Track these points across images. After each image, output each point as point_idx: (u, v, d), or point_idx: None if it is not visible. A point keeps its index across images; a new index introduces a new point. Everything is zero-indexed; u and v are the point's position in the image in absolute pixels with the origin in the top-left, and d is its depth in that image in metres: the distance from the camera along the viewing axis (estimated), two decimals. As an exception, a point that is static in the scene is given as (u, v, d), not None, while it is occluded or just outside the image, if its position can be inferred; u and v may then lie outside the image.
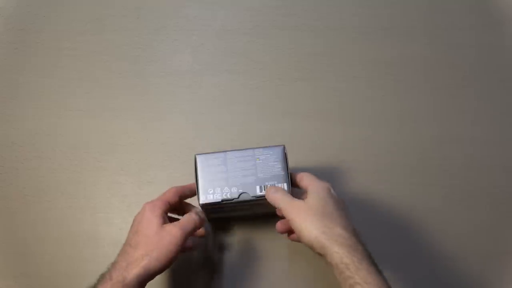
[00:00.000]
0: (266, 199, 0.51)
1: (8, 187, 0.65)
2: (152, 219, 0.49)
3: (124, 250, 0.49)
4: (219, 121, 0.68)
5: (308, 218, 0.47)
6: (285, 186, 0.52)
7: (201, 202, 0.52)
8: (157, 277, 0.48)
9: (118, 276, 0.46)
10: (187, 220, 0.50)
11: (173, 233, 0.48)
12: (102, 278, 0.47)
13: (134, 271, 0.46)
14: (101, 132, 0.67)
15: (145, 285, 0.47)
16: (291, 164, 0.53)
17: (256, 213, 0.59)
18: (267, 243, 0.61)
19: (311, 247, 0.47)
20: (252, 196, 0.52)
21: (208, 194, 0.52)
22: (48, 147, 0.67)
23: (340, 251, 0.45)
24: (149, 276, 0.47)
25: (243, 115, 0.68)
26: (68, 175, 0.65)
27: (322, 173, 0.63)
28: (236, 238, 0.62)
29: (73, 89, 0.70)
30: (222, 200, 0.52)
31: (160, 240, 0.47)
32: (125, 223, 0.62)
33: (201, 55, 0.71)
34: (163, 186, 0.64)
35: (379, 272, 0.45)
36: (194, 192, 0.53)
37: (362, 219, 0.53)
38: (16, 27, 0.73)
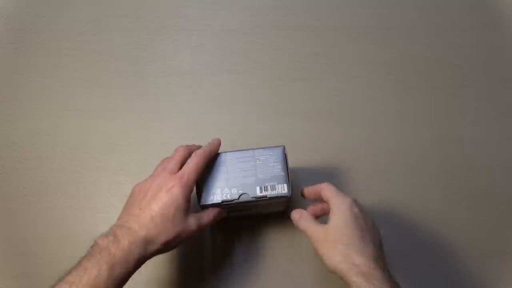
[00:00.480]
0: (266, 199, 0.52)
1: (8, 187, 0.65)
2: (182, 205, 0.47)
3: (142, 220, 0.47)
4: (219, 121, 0.68)
5: (329, 246, 0.47)
6: (285, 187, 0.52)
7: (201, 203, 0.52)
8: (158, 277, 0.48)
9: (137, 253, 0.45)
10: (207, 218, 0.51)
11: (192, 228, 0.48)
12: (116, 241, 0.45)
13: (149, 251, 0.46)
14: (101, 132, 0.67)
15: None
16: (291, 164, 0.53)
17: (257, 213, 0.59)
18: (268, 242, 0.61)
19: (334, 274, 0.47)
20: (252, 197, 0.52)
21: (208, 195, 0.52)
22: (48, 147, 0.67)
23: (357, 280, 0.44)
24: (155, 255, 0.48)
25: (243, 115, 0.68)
26: (68, 175, 0.65)
27: (322, 173, 0.64)
28: (236, 237, 0.62)
29: (73, 89, 0.70)
30: (222, 201, 0.52)
31: (182, 231, 0.47)
32: (125, 223, 0.63)
33: (201, 55, 0.71)
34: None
35: None
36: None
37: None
38: (16, 27, 0.73)
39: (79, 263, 0.44)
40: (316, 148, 0.66)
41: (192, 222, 0.49)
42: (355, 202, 0.50)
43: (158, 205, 0.47)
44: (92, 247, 0.45)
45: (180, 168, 0.50)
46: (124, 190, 0.64)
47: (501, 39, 0.72)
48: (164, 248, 0.47)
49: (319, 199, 0.53)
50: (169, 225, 0.47)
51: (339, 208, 0.49)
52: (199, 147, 0.54)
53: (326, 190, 0.51)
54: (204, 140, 0.66)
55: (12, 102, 0.69)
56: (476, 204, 0.63)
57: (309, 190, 0.54)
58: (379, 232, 0.50)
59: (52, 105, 0.69)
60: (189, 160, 0.50)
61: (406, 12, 0.73)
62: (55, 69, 0.71)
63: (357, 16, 0.73)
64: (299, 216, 0.52)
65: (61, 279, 0.43)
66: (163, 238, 0.46)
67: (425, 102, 0.68)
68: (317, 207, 0.54)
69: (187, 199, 0.48)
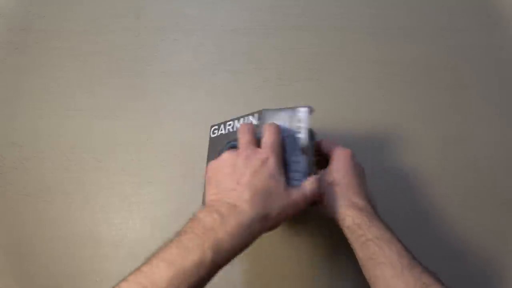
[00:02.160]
0: None
1: (8, 187, 0.65)
2: (280, 179, 0.44)
3: (246, 197, 0.43)
4: (219, 121, 0.68)
5: (328, 186, 0.51)
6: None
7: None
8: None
9: (244, 231, 0.41)
10: (311, 188, 0.46)
11: (298, 202, 0.45)
12: (222, 219, 0.41)
13: (259, 228, 0.42)
14: (101, 132, 0.67)
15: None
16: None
17: None
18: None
19: (329, 213, 0.50)
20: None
21: None
22: (48, 147, 0.67)
23: (351, 214, 0.48)
24: (261, 234, 0.44)
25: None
26: (68, 175, 0.65)
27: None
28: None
29: (73, 89, 0.70)
30: None
31: (287, 205, 0.44)
32: (125, 223, 0.63)
33: (201, 55, 0.71)
34: (163, 186, 0.64)
35: (388, 227, 0.47)
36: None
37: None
38: (16, 27, 0.73)
39: (178, 239, 0.40)
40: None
41: (295, 193, 0.45)
42: (353, 155, 0.53)
43: (259, 179, 0.43)
44: (192, 221, 0.42)
45: (256, 141, 0.48)
46: (124, 190, 0.64)
47: (502, 39, 0.72)
48: (271, 226, 0.44)
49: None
50: (274, 200, 0.43)
51: (339, 156, 0.52)
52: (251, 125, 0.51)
53: (326, 142, 0.55)
54: (204, 140, 0.66)
55: (12, 102, 0.69)
56: (475, 204, 0.63)
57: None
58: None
59: (52, 105, 0.69)
60: (266, 135, 0.47)
61: (409, 13, 0.73)
62: (55, 69, 0.71)
63: (359, 16, 0.73)
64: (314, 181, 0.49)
65: (157, 253, 0.39)
66: (271, 214, 0.43)
67: (427, 102, 0.68)
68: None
69: (281, 171, 0.45)
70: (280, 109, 0.52)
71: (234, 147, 0.52)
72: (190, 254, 0.39)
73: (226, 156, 0.46)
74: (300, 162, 0.49)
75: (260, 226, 0.42)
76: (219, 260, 0.40)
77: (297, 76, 0.70)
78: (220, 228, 0.40)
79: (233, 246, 0.40)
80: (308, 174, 0.49)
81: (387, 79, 0.69)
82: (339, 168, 0.52)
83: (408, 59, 0.70)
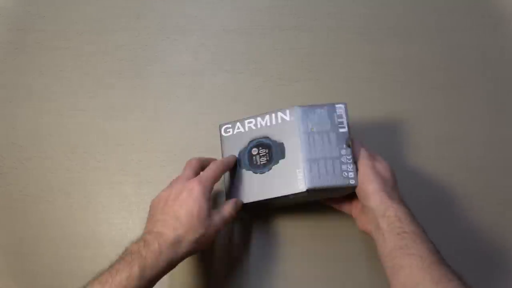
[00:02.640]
0: (305, 193, 0.53)
1: (8, 187, 0.65)
2: (204, 205, 0.49)
3: (168, 223, 0.48)
4: (219, 121, 0.67)
5: (376, 173, 0.52)
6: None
7: (245, 201, 0.54)
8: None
9: (167, 253, 0.46)
10: (229, 212, 0.52)
11: (218, 224, 0.50)
12: (146, 245, 0.46)
13: (181, 251, 0.47)
14: (101, 132, 0.67)
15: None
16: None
17: (296, 203, 0.59)
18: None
19: (366, 199, 0.52)
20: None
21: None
22: (48, 147, 0.67)
23: (396, 207, 0.49)
24: (189, 255, 0.49)
25: (243, 115, 0.68)
26: (68, 175, 0.65)
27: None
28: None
29: (73, 89, 0.70)
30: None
31: (208, 230, 0.49)
32: (125, 223, 0.63)
33: (201, 55, 0.71)
34: (163, 186, 0.64)
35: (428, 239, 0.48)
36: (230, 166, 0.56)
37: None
38: (16, 27, 0.73)
39: (110, 266, 0.46)
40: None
41: (216, 218, 0.50)
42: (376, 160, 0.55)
43: (181, 206, 0.49)
44: (123, 253, 0.47)
45: (195, 176, 0.53)
46: (124, 190, 0.64)
47: (501, 39, 0.72)
48: (194, 248, 0.48)
49: None
50: (195, 224, 0.48)
51: (377, 153, 0.56)
52: (210, 159, 0.56)
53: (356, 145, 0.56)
54: (204, 140, 0.66)
55: (12, 102, 0.69)
56: (475, 204, 0.63)
57: None
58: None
59: (52, 105, 0.69)
60: (207, 168, 0.53)
61: (406, 12, 0.73)
62: (55, 69, 0.71)
63: (357, 16, 0.73)
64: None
65: (93, 279, 0.45)
66: (191, 237, 0.48)
67: (424, 102, 0.68)
68: None
69: (208, 198, 0.50)
70: (315, 106, 0.55)
71: (261, 144, 0.55)
72: (119, 273, 0.44)
73: (162, 193, 0.52)
74: (347, 155, 0.53)
75: (183, 246, 0.47)
76: (147, 275, 0.45)
77: (297, 76, 0.70)
78: (144, 250, 0.46)
79: (158, 263, 0.46)
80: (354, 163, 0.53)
81: (386, 79, 0.70)
82: (378, 160, 0.55)
83: (407, 59, 0.70)
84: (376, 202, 0.50)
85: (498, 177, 0.64)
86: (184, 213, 0.48)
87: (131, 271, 0.44)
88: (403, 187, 0.63)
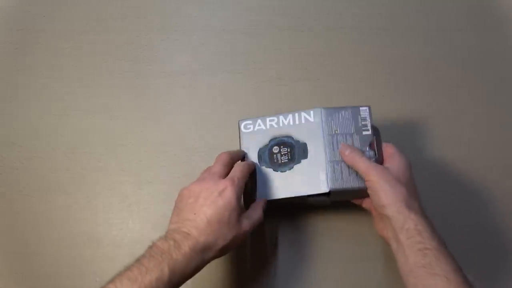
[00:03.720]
0: (327, 194, 0.53)
1: (8, 187, 0.65)
2: (235, 208, 0.48)
3: (200, 226, 0.46)
4: (219, 121, 0.68)
5: (391, 182, 0.49)
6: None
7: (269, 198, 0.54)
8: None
9: (196, 258, 0.45)
10: (258, 216, 0.51)
11: (247, 228, 0.49)
12: (177, 246, 0.45)
13: (208, 257, 0.46)
14: (101, 132, 0.67)
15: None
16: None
17: (314, 205, 0.60)
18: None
19: (382, 208, 0.49)
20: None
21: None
22: (48, 147, 0.67)
23: (415, 218, 0.47)
24: (210, 257, 0.47)
25: (243, 115, 0.68)
26: (68, 175, 0.65)
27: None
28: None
29: (73, 89, 0.70)
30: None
31: (237, 234, 0.47)
32: (125, 223, 0.63)
33: (201, 55, 0.71)
34: (163, 186, 0.64)
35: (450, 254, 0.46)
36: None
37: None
38: (16, 27, 0.73)
39: (139, 261, 0.44)
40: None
41: (245, 222, 0.49)
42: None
43: (212, 209, 0.47)
44: (151, 248, 0.46)
45: (226, 172, 0.51)
46: (124, 190, 0.64)
47: (501, 39, 0.72)
48: (221, 253, 0.47)
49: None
50: (225, 229, 0.47)
51: (399, 158, 0.52)
52: (238, 152, 0.56)
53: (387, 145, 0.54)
54: (204, 140, 0.66)
55: (12, 102, 0.69)
56: (475, 204, 0.63)
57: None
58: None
59: (52, 105, 0.69)
60: (235, 167, 0.52)
61: (406, 12, 0.73)
62: (55, 69, 0.71)
63: (357, 16, 0.73)
64: (351, 150, 0.53)
65: (120, 275, 0.43)
66: (220, 243, 0.46)
67: (424, 102, 0.68)
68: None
69: (239, 201, 0.49)
70: (339, 108, 0.56)
71: (283, 143, 0.55)
72: (149, 272, 0.43)
73: (193, 186, 0.50)
74: (370, 158, 0.53)
75: (211, 252, 0.46)
76: (175, 279, 0.44)
77: (297, 76, 0.70)
78: (175, 251, 0.45)
79: (187, 267, 0.45)
80: None
81: (386, 79, 0.70)
82: (396, 167, 0.51)
83: (406, 59, 0.70)
84: (393, 213, 0.48)
85: (500, 177, 0.64)
86: (215, 217, 0.46)
87: (162, 273, 0.43)
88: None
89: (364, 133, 0.54)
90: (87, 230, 0.62)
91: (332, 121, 0.55)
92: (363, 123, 0.55)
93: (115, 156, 0.66)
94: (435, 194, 0.63)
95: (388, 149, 0.54)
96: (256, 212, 0.51)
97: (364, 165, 0.50)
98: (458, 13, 0.73)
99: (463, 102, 0.68)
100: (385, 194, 0.48)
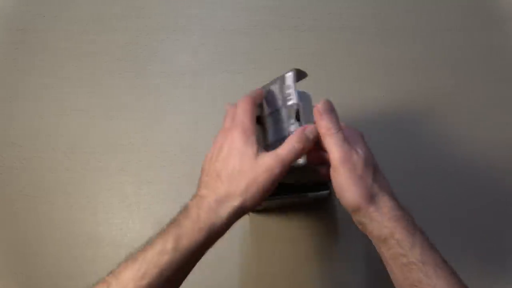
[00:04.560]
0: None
1: (8, 187, 0.65)
2: (246, 150, 0.41)
3: (211, 184, 0.41)
4: (219, 121, 0.67)
5: (356, 183, 0.41)
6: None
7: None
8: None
9: (207, 218, 0.40)
10: (288, 149, 0.41)
11: (271, 166, 0.40)
12: (186, 212, 0.41)
13: (225, 212, 0.40)
14: (101, 132, 0.67)
15: (234, 223, 0.42)
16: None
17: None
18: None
19: (349, 209, 0.42)
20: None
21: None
22: (48, 147, 0.67)
23: (390, 226, 0.40)
24: (239, 216, 0.41)
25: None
26: (68, 175, 0.65)
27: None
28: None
29: (73, 89, 0.70)
30: None
31: (255, 176, 0.40)
32: (125, 223, 0.63)
33: (201, 55, 0.71)
34: (163, 186, 0.64)
35: (428, 239, 0.41)
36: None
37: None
38: (16, 27, 0.73)
39: (149, 239, 0.41)
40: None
41: (267, 159, 0.40)
42: (350, 148, 0.43)
43: (220, 160, 0.42)
44: (167, 224, 0.42)
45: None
46: (124, 190, 0.64)
47: (501, 39, 0.72)
48: (241, 205, 0.40)
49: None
50: (237, 176, 0.40)
51: (338, 161, 0.42)
52: (259, 93, 0.48)
53: (320, 125, 0.44)
54: (204, 140, 0.66)
55: (12, 102, 0.69)
56: (475, 204, 0.63)
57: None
58: (372, 156, 0.46)
59: (52, 105, 0.69)
60: (238, 106, 0.45)
61: (406, 12, 0.73)
62: (55, 69, 0.71)
63: (357, 16, 0.73)
64: (327, 119, 0.44)
65: (130, 254, 0.40)
66: (235, 192, 0.40)
67: (425, 102, 0.68)
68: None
69: (252, 141, 0.42)
70: (270, 83, 0.49)
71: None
72: (153, 247, 0.39)
73: (208, 153, 0.45)
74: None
75: (230, 205, 0.40)
76: (182, 246, 0.39)
77: (297, 76, 0.70)
78: (183, 217, 0.41)
79: (195, 231, 0.40)
80: None
81: (385, 79, 0.70)
82: (351, 137, 0.43)
83: (405, 59, 0.70)
84: (365, 219, 0.41)
85: (501, 177, 0.64)
86: (223, 167, 0.41)
87: (165, 243, 0.39)
88: (407, 186, 0.63)
89: (289, 103, 0.46)
90: (87, 230, 0.62)
91: (268, 100, 0.48)
92: (287, 91, 0.46)
93: (115, 156, 0.66)
94: (435, 194, 0.63)
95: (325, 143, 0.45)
96: (285, 146, 0.42)
97: (333, 149, 0.42)
98: (457, 13, 0.73)
99: (462, 102, 0.68)
100: (351, 192, 0.41)
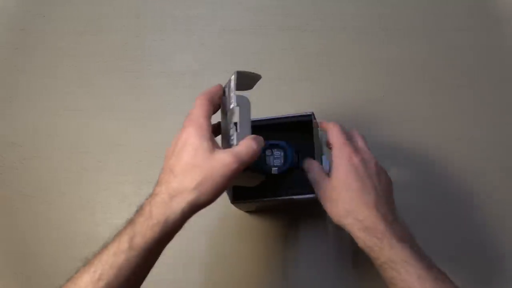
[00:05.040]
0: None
1: (8, 187, 0.65)
2: (200, 145, 0.40)
3: (164, 179, 0.41)
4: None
5: (332, 202, 0.46)
6: None
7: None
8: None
9: (160, 214, 0.39)
10: (246, 147, 0.41)
11: (226, 162, 0.40)
12: (140, 210, 0.41)
13: (178, 207, 0.39)
14: (101, 132, 0.67)
15: (188, 219, 0.41)
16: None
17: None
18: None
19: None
20: None
21: None
22: (48, 147, 0.67)
23: (361, 236, 0.44)
24: (193, 211, 0.40)
25: (243, 115, 0.68)
26: (68, 175, 0.65)
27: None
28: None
29: (73, 89, 0.70)
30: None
31: (210, 171, 0.39)
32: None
33: (201, 55, 0.71)
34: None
35: (403, 239, 0.43)
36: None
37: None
38: (16, 27, 0.73)
39: (106, 242, 0.42)
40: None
41: (224, 155, 0.40)
42: (355, 151, 0.48)
43: (174, 156, 0.42)
44: None
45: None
46: (124, 190, 0.64)
47: (500, 39, 0.72)
48: (195, 200, 0.39)
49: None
50: (190, 169, 0.40)
51: (339, 161, 0.47)
52: (216, 90, 0.48)
53: (331, 135, 0.49)
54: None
55: (12, 102, 0.69)
56: (473, 204, 0.63)
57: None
58: (386, 174, 0.49)
59: (52, 105, 0.69)
60: (195, 102, 0.45)
61: (406, 12, 0.73)
62: (55, 69, 0.71)
63: (357, 16, 0.73)
64: (307, 167, 0.50)
65: (87, 260, 0.41)
66: (188, 186, 0.39)
67: (425, 102, 0.68)
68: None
69: (206, 137, 0.41)
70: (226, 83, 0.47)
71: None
72: (107, 249, 0.40)
73: (181, 139, 0.44)
74: (234, 140, 0.43)
75: (182, 199, 0.39)
76: (136, 244, 0.39)
77: (297, 76, 0.70)
78: (137, 216, 0.41)
79: (148, 228, 0.39)
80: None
81: (387, 79, 0.69)
82: (339, 177, 0.47)
83: (407, 59, 0.70)
84: (346, 230, 0.46)
85: (500, 177, 0.64)
86: (176, 162, 0.41)
87: (120, 244, 0.39)
88: (407, 186, 0.63)
89: (230, 106, 0.44)
90: (86, 230, 0.62)
91: (222, 102, 0.48)
92: (231, 94, 0.45)
93: (114, 156, 0.66)
94: (435, 194, 0.63)
95: (330, 138, 0.49)
96: (242, 143, 0.42)
97: (316, 185, 0.48)
98: (458, 13, 0.73)
99: (463, 102, 0.68)
100: (329, 213, 0.47)
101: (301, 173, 0.51)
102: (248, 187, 0.51)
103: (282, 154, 0.52)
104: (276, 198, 0.53)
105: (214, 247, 0.62)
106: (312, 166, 0.49)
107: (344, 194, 0.46)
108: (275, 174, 0.51)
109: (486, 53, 0.71)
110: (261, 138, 0.44)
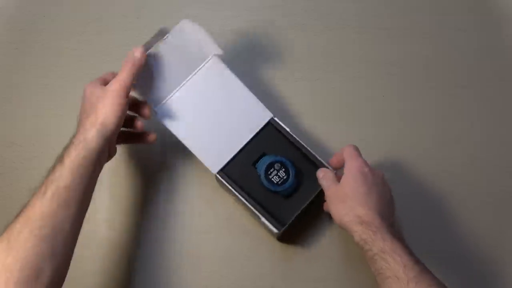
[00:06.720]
0: None
1: (8, 187, 0.65)
2: (94, 89, 0.52)
3: (79, 124, 0.52)
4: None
5: (337, 202, 0.52)
6: None
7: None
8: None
9: (79, 138, 0.49)
10: (125, 71, 0.53)
11: (113, 87, 0.51)
12: (64, 149, 0.50)
13: (93, 130, 0.49)
14: (101, 132, 0.67)
15: (110, 142, 0.51)
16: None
17: None
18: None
19: (342, 228, 0.52)
20: None
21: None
22: (48, 147, 0.67)
23: (358, 229, 0.48)
24: (108, 131, 0.50)
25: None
26: (68, 175, 0.65)
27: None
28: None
29: (73, 89, 0.69)
30: None
31: (104, 98, 0.51)
32: (125, 224, 0.63)
33: (201, 55, 0.71)
34: (163, 186, 0.64)
35: (395, 236, 0.47)
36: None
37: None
38: (16, 27, 0.73)
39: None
40: (316, 148, 0.65)
41: (113, 85, 0.52)
42: (366, 163, 0.53)
43: (83, 101, 0.53)
44: None
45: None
46: (124, 191, 0.64)
47: (501, 39, 0.72)
48: (104, 121, 0.50)
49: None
50: (95, 103, 0.51)
51: (350, 169, 0.52)
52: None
53: (346, 152, 0.55)
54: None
55: (12, 102, 0.69)
56: (475, 204, 0.63)
57: (334, 158, 0.58)
58: (390, 190, 0.54)
59: (52, 105, 0.69)
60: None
61: (406, 12, 0.73)
62: (55, 69, 0.71)
63: (357, 16, 0.73)
64: (322, 175, 0.55)
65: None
66: (96, 116, 0.50)
67: (425, 102, 0.68)
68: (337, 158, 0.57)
69: (96, 85, 0.53)
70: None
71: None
72: (30, 203, 0.49)
73: (83, 98, 0.55)
74: None
75: (91, 125, 0.50)
76: (49, 193, 0.49)
77: (297, 76, 0.70)
78: (56, 162, 0.50)
79: (75, 148, 0.49)
80: None
81: (387, 79, 0.70)
82: (347, 181, 0.52)
83: (407, 59, 0.70)
84: (344, 228, 0.52)
85: (501, 177, 0.64)
86: (83, 105, 0.53)
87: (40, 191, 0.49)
88: (407, 186, 0.63)
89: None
90: (86, 230, 0.62)
91: None
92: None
93: (114, 156, 0.66)
94: (435, 194, 0.63)
95: (344, 155, 0.55)
96: (122, 70, 0.53)
97: (327, 189, 0.54)
98: (458, 13, 0.73)
99: (463, 102, 0.68)
100: (333, 213, 0.53)
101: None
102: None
103: (283, 169, 0.57)
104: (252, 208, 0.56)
105: (219, 247, 0.62)
106: (326, 174, 0.55)
107: (351, 195, 0.50)
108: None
109: (486, 53, 0.71)
110: (135, 52, 0.55)
